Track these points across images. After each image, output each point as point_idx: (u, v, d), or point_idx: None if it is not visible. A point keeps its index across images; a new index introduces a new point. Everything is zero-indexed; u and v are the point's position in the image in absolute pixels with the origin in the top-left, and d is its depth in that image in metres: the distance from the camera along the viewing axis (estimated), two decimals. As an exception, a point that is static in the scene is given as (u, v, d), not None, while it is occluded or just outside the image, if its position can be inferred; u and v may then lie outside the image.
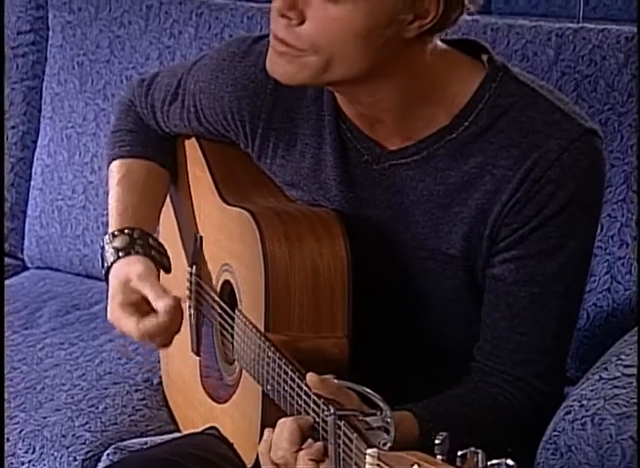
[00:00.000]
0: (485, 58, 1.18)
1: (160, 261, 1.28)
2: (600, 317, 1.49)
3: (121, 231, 1.28)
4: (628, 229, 1.47)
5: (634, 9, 1.82)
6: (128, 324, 1.22)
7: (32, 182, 1.83)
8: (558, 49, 1.50)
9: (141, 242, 1.27)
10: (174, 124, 1.35)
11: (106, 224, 1.35)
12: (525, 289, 1.17)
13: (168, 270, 1.30)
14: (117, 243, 1.27)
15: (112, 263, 1.26)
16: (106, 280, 1.28)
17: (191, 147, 1.37)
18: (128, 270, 1.25)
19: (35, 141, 1.84)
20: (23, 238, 1.85)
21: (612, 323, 1.49)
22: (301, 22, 1.09)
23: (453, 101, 1.16)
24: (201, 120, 1.30)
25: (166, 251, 1.31)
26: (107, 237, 1.29)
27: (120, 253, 1.26)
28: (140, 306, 1.23)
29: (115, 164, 1.37)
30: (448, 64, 1.16)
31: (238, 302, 1.23)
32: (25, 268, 1.86)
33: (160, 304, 1.20)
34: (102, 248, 1.29)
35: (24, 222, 1.84)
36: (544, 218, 1.14)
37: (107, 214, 1.36)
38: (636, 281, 1.44)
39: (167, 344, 1.25)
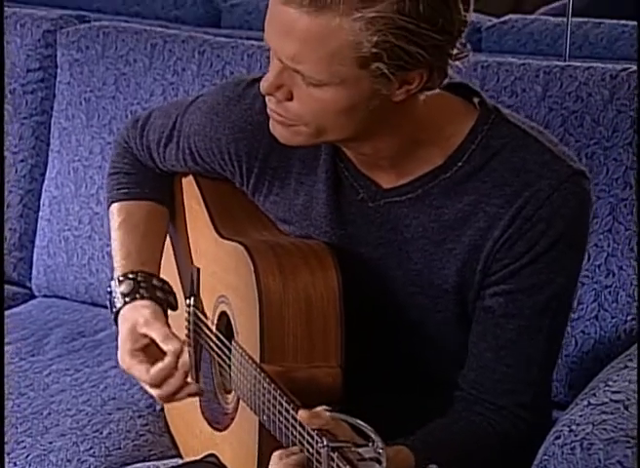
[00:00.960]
0: (476, 100, 1.19)
1: (166, 300, 1.28)
2: (588, 344, 1.49)
3: (125, 276, 1.28)
4: (614, 259, 1.47)
5: (618, 48, 1.83)
6: (139, 371, 1.22)
7: (40, 213, 1.83)
8: (546, 85, 1.50)
9: (145, 285, 1.27)
10: (170, 164, 1.35)
11: (111, 254, 1.35)
12: (513, 321, 1.16)
13: (175, 307, 1.30)
14: (123, 288, 1.27)
15: (120, 309, 1.27)
16: (116, 324, 1.28)
17: (188, 183, 1.37)
18: (134, 316, 1.25)
19: (43, 174, 1.84)
20: (31, 267, 1.84)
21: (599, 349, 1.48)
22: (289, 99, 1.10)
23: (447, 142, 1.16)
24: (197, 160, 1.30)
25: (171, 288, 1.31)
26: (114, 282, 1.29)
27: (126, 299, 1.27)
28: (150, 351, 1.23)
29: (115, 207, 1.37)
30: (441, 107, 1.16)
31: (234, 333, 1.22)
32: (33, 297, 1.86)
33: (169, 347, 1.20)
34: (110, 293, 1.29)
35: (32, 252, 1.84)
36: (535, 255, 1.14)
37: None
38: (637, 303, 1.43)
39: (176, 395, 1.22)
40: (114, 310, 1.28)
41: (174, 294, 1.30)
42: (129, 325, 1.25)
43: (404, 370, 1.24)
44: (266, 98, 1.13)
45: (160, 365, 1.20)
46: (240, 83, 1.26)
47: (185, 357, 1.20)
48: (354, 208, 1.21)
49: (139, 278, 1.28)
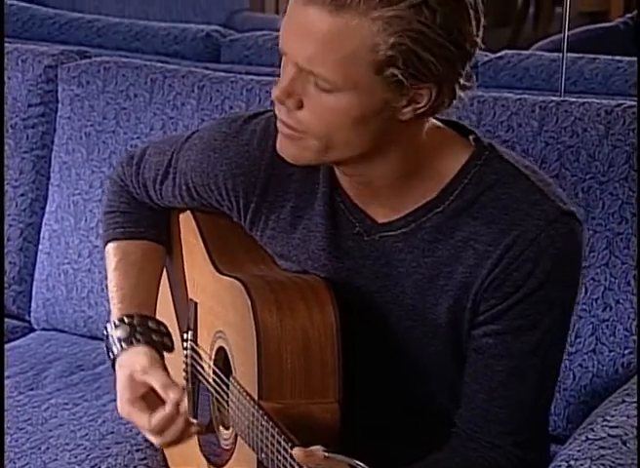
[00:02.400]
0: (472, 137, 1.19)
1: (161, 343, 1.28)
2: (586, 377, 1.48)
3: (121, 321, 1.28)
4: (611, 293, 1.47)
5: (613, 83, 1.84)
6: (140, 420, 1.21)
7: (40, 247, 1.83)
8: (542, 120, 1.50)
9: (141, 329, 1.27)
10: (168, 200, 1.35)
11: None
12: (503, 363, 1.16)
13: (171, 349, 1.29)
14: (119, 333, 1.27)
15: (117, 355, 1.26)
16: (113, 369, 1.27)
17: (185, 217, 1.37)
18: (132, 363, 1.24)
19: (43, 208, 1.84)
20: (30, 301, 1.84)
21: (597, 383, 1.48)
22: (300, 108, 1.10)
23: (441, 176, 1.16)
24: (194, 196, 1.30)
25: (167, 329, 1.30)
26: (110, 326, 1.29)
27: (123, 345, 1.26)
28: (149, 398, 1.22)
29: (111, 246, 1.36)
30: (439, 141, 1.17)
31: (232, 369, 1.22)
32: (32, 330, 1.85)
33: (170, 395, 1.19)
34: (107, 337, 1.28)
35: (32, 285, 1.83)
36: (522, 296, 1.14)
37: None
38: (635, 337, 1.43)
39: (178, 440, 1.21)
40: (112, 356, 1.27)
41: (169, 336, 1.30)
42: (127, 372, 1.24)
43: (399, 404, 1.24)
44: (276, 110, 1.12)
45: (161, 414, 1.19)
46: (237, 119, 1.27)
47: (185, 404, 1.19)
48: (351, 241, 1.21)
49: (134, 322, 1.27)
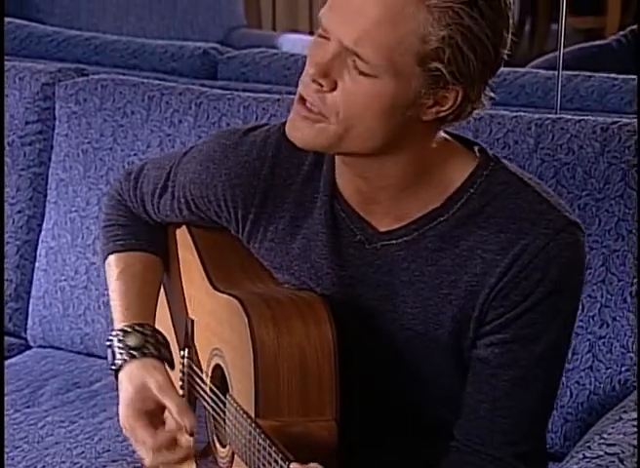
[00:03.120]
0: (477, 148, 1.20)
1: (167, 358, 1.27)
2: (583, 395, 1.48)
3: (132, 328, 1.26)
4: (608, 310, 1.47)
5: (608, 101, 1.84)
6: (143, 434, 1.20)
7: (37, 264, 1.82)
8: (538, 138, 1.51)
9: (153, 341, 1.25)
10: (165, 214, 1.34)
11: (107, 304, 1.34)
12: (509, 372, 1.16)
13: (173, 366, 1.28)
14: (130, 341, 1.25)
15: (124, 362, 1.24)
16: (116, 377, 1.25)
17: (181, 233, 1.37)
18: (144, 376, 1.22)
19: (40, 225, 1.83)
20: (27, 318, 1.83)
21: (594, 400, 1.48)
22: (332, 89, 1.09)
23: (446, 185, 1.17)
24: (192, 209, 1.30)
25: (169, 345, 1.29)
26: (117, 333, 1.26)
27: (134, 353, 1.24)
28: (155, 416, 1.21)
29: (112, 258, 1.36)
30: (446, 151, 1.17)
31: (229, 387, 1.21)
32: (29, 347, 1.84)
33: (185, 422, 1.18)
34: (111, 345, 1.26)
35: (28, 303, 1.83)
36: (531, 304, 1.14)
37: (109, 294, 1.35)
38: (635, 354, 1.43)
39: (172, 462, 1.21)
40: (118, 363, 1.24)
41: (171, 352, 1.29)
42: (138, 383, 1.22)
43: (399, 418, 1.23)
44: (303, 91, 1.11)
45: (165, 433, 1.19)
46: (236, 132, 1.27)
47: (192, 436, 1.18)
48: (352, 249, 1.20)
49: (146, 331, 1.26)
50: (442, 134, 1.17)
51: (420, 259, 1.17)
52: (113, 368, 1.26)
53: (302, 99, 1.11)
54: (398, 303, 1.19)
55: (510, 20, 1.10)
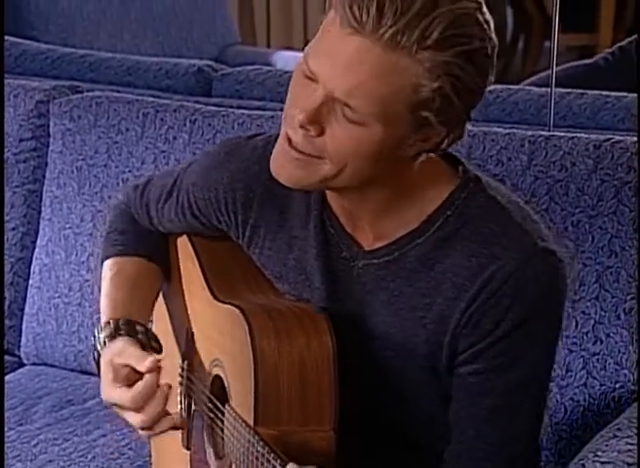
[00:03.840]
0: (461, 168, 1.20)
1: (147, 342, 1.27)
2: (577, 411, 1.48)
3: (107, 323, 1.28)
4: (602, 326, 1.47)
5: (601, 118, 1.85)
6: (120, 395, 1.22)
7: (30, 281, 1.82)
8: (531, 155, 1.51)
9: (126, 327, 1.27)
10: (168, 219, 1.35)
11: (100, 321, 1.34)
12: (487, 401, 1.16)
13: (159, 351, 1.28)
14: (103, 333, 1.27)
15: (100, 352, 1.26)
16: (98, 370, 1.27)
17: (182, 243, 1.37)
18: (111, 350, 1.25)
19: (34, 242, 1.84)
20: (20, 335, 1.83)
21: (588, 417, 1.47)
22: (320, 134, 1.10)
23: (425, 206, 1.17)
24: (195, 213, 1.30)
25: (155, 335, 1.30)
26: (96, 330, 1.29)
27: (106, 341, 1.26)
28: (129, 378, 1.22)
29: (108, 262, 1.37)
30: (428, 171, 1.17)
31: (228, 397, 1.21)
32: (22, 365, 1.84)
33: (145, 364, 1.20)
34: (94, 342, 1.28)
35: (22, 320, 1.83)
36: (502, 333, 1.14)
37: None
38: (636, 363, 1.43)
39: (158, 422, 1.21)
40: (96, 356, 1.27)
41: (157, 340, 1.29)
42: (107, 359, 1.24)
43: (385, 436, 1.23)
44: (289, 132, 1.11)
45: (140, 383, 1.20)
46: (240, 138, 1.29)
47: (159, 378, 1.19)
48: (340, 265, 1.21)
49: (120, 322, 1.27)
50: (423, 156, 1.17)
51: (399, 280, 1.18)
52: (95, 359, 1.28)
53: (290, 141, 1.12)
54: (379, 322, 1.19)
55: (495, 56, 1.10)
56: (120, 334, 1.26)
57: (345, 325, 1.19)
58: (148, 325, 1.33)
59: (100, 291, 1.35)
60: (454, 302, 1.15)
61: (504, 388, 1.15)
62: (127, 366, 1.22)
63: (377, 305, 1.19)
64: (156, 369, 1.20)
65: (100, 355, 1.27)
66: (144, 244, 1.37)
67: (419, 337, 1.17)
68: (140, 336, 1.27)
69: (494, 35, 1.10)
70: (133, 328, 1.27)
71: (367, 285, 1.19)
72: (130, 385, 1.22)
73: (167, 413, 1.23)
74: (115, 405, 1.24)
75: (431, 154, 1.17)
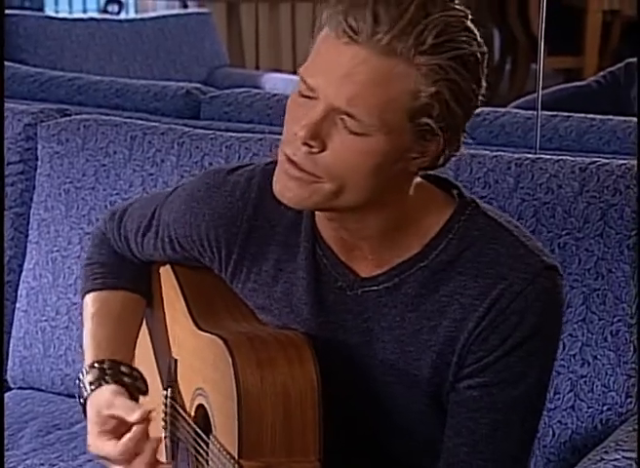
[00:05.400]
0: (455, 192, 1.20)
1: (133, 385, 1.27)
2: (565, 434, 1.48)
3: (92, 365, 1.27)
4: (589, 348, 1.47)
5: (586, 141, 1.87)
6: (107, 447, 1.20)
7: (17, 304, 1.81)
8: (517, 177, 1.52)
9: (111, 372, 1.26)
10: (149, 253, 1.34)
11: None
12: (487, 415, 1.16)
13: (145, 392, 1.28)
14: (89, 377, 1.26)
15: (86, 398, 1.25)
16: (84, 415, 1.26)
17: (165, 272, 1.36)
18: (98, 400, 1.23)
19: (21, 265, 1.82)
20: (7, 359, 1.82)
21: (576, 440, 1.47)
22: (322, 150, 1.09)
23: (425, 232, 1.17)
24: (176, 248, 1.30)
25: (140, 374, 1.29)
26: (82, 372, 1.28)
27: (92, 387, 1.25)
28: (118, 430, 1.21)
29: (89, 297, 1.36)
30: (424, 197, 1.18)
31: (212, 427, 1.20)
32: (9, 389, 1.82)
33: (135, 416, 1.18)
34: (79, 385, 1.28)
35: (9, 344, 1.82)
36: (509, 348, 1.15)
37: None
38: (636, 374, 1.43)
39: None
40: (81, 401, 1.26)
41: (144, 380, 1.28)
42: (95, 410, 1.23)
43: (379, 461, 1.23)
44: (289, 152, 1.10)
45: (128, 435, 1.18)
46: (220, 171, 1.27)
47: (148, 430, 1.18)
48: (333, 295, 1.20)
49: (105, 366, 1.26)
50: (418, 178, 1.17)
51: (400, 305, 1.17)
52: (81, 404, 1.27)
53: (290, 160, 1.11)
54: (378, 350, 1.19)
55: (485, 64, 1.12)
56: (106, 380, 1.25)
57: (338, 354, 1.19)
58: (133, 361, 1.32)
59: (82, 324, 1.35)
60: (461, 323, 1.15)
61: (505, 404, 1.15)
62: (115, 417, 1.21)
63: (376, 333, 1.18)
64: (146, 420, 1.19)
65: (85, 400, 1.26)
66: (126, 275, 1.36)
67: (424, 361, 1.17)
68: (125, 380, 1.26)
69: (482, 42, 1.11)
70: (118, 371, 1.27)
71: (365, 313, 1.19)
72: (118, 437, 1.20)
73: (158, 463, 1.22)
74: (103, 458, 1.23)
75: (423, 180, 1.17)
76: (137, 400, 1.26)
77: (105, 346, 1.29)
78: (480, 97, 1.12)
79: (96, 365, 1.27)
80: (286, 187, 1.12)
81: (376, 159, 1.09)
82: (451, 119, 1.09)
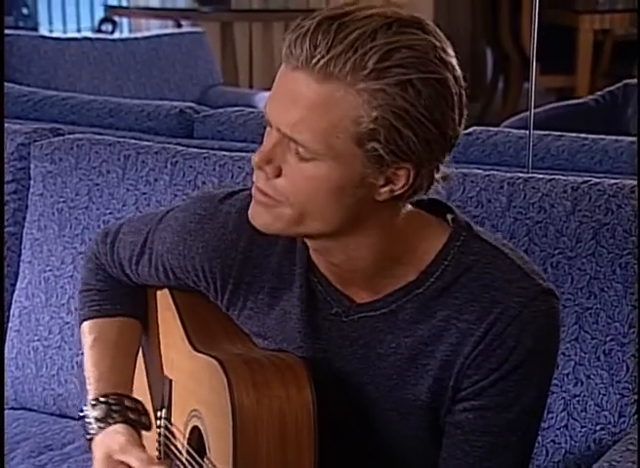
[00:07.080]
0: (450, 217, 1.20)
1: (139, 421, 1.27)
2: (558, 454, 1.47)
3: (97, 400, 1.27)
4: (582, 368, 1.47)
5: (578, 160, 1.87)
6: None
7: (10, 324, 1.81)
8: (510, 196, 1.52)
9: (117, 408, 1.26)
10: (144, 279, 1.34)
11: (81, 364, 1.33)
12: (482, 438, 1.16)
13: (149, 428, 1.28)
14: (96, 413, 1.27)
15: (94, 436, 1.26)
16: (90, 450, 1.27)
17: (162, 295, 1.36)
18: (109, 443, 1.24)
19: (14, 285, 1.82)
20: (-2, 379, 1.81)
21: (569, 459, 1.47)
22: (278, 175, 1.10)
23: (420, 259, 1.17)
24: (170, 277, 1.30)
25: (144, 408, 1.29)
26: (87, 406, 1.28)
27: (100, 424, 1.26)
28: None
29: (87, 324, 1.36)
30: (417, 226, 1.17)
31: (207, 450, 1.20)
32: (0, 409, 1.82)
33: None
34: (83, 417, 1.28)
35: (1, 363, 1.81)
36: (505, 372, 1.14)
37: (82, 354, 1.35)
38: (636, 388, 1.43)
39: None
40: (88, 437, 1.26)
41: (147, 414, 1.29)
42: (104, 451, 1.23)
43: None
44: (254, 176, 1.13)
45: None
46: (212, 200, 1.26)
47: None
48: (328, 322, 1.20)
49: (110, 401, 1.27)
50: (409, 206, 1.16)
51: (397, 331, 1.17)
52: (87, 438, 1.28)
53: (256, 185, 1.13)
54: (374, 375, 1.18)
55: (456, 98, 1.09)
56: (113, 418, 1.26)
57: (333, 381, 1.19)
58: (132, 391, 1.32)
59: (82, 349, 1.35)
60: (457, 347, 1.15)
61: (500, 427, 1.15)
62: (125, 464, 1.22)
63: (373, 359, 1.18)
64: None
65: (92, 437, 1.26)
66: (123, 301, 1.36)
67: (421, 386, 1.17)
68: (131, 417, 1.26)
69: (455, 66, 1.09)
70: (124, 406, 1.27)
71: (361, 339, 1.19)
72: None
73: None
74: None
75: (415, 208, 1.16)
76: (140, 434, 1.27)
77: (108, 378, 1.29)
78: (448, 128, 1.09)
79: (101, 399, 1.27)
80: (255, 212, 1.14)
81: (330, 184, 1.09)
82: (403, 144, 1.07)
